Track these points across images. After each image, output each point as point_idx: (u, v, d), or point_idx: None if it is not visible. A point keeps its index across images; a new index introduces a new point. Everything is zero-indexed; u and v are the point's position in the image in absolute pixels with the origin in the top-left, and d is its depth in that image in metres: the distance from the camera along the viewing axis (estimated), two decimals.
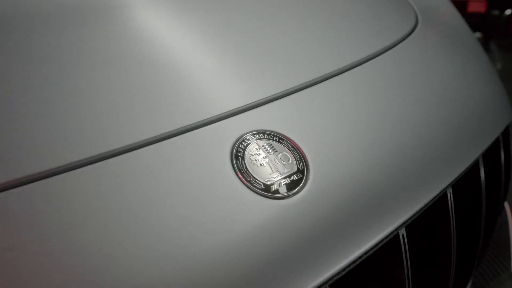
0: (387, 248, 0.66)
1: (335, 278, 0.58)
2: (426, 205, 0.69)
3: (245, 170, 0.57)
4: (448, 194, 0.74)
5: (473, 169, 0.83)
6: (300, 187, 0.59)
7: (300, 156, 0.61)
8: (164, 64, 0.64)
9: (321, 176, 0.60)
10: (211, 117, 0.61)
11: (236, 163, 0.57)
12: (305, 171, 0.60)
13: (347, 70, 0.76)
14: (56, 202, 0.48)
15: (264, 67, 0.70)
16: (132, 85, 0.61)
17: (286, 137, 0.62)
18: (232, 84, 0.66)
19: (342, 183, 0.61)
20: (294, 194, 0.58)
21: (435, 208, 0.75)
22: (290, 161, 0.60)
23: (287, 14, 0.84)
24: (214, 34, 0.72)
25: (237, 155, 0.58)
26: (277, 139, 0.61)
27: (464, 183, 0.83)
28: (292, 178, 0.59)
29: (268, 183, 0.57)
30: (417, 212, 0.68)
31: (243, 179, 0.56)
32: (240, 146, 0.59)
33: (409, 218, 0.66)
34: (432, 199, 0.70)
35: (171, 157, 0.56)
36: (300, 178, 0.59)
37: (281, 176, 0.58)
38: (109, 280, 0.46)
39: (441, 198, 0.74)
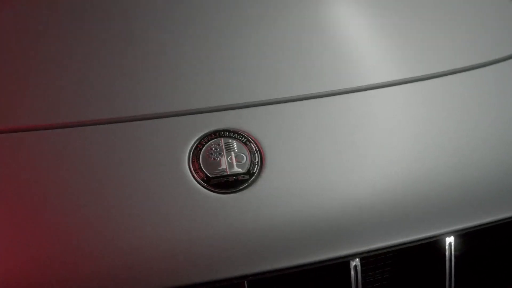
0: (337, 274, 0.66)
1: (250, 278, 0.62)
2: (399, 244, 0.66)
3: (197, 159, 0.65)
4: (446, 242, 0.68)
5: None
6: (242, 188, 0.64)
7: (258, 160, 0.65)
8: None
9: (269, 185, 0.64)
10: (197, 108, 0.69)
11: (193, 153, 0.65)
12: (254, 175, 0.64)
13: (377, 88, 0.74)
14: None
15: (282, 68, 0.74)
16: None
17: (255, 140, 0.67)
18: (237, 82, 0.72)
19: (289, 200, 0.63)
20: (232, 192, 0.63)
21: (425, 253, 0.69)
22: (243, 162, 0.65)
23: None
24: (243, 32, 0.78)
25: (197, 146, 0.66)
26: (244, 140, 0.67)
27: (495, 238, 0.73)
28: (236, 178, 0.64)
29: (212, 176, 0.64)
30: (381, 248, 0.65)
31: (191, 166, 0.64)
32: (205, 138, 0.67)
33: (367, 252, 0.65)
34: (412, 242, 0.66)
35: (146, 135, 0.67)
36: (245, 179, 0.64)
37: (227, 173, 0.64)
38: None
39: (434, 244, 0.68)
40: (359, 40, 0.79)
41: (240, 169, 0.65)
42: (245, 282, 0.62)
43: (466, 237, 0.70)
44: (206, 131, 0.67)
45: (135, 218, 0.61)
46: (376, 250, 0.65)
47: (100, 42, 0.73)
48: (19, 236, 0.60)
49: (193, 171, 0.64)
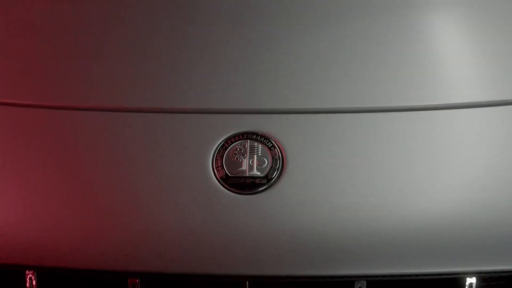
0: None
1: (252, 280, 0.63)
2: (414, 275, 0.63)
3: (221, 157, 0.67)
4: (466, 283, 0.64)
5: None
6: (257, 191, 0.65)
7: (279, 167, 0.66)
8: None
9: (285, 193, 0.64)
10: (231, 108, 0.71)
11: (218, 150, 0.68)
12: (272, 181, 0.65)
13: (411, 110, 0.71)
14: None
15: (326, 79, 0.73)
16: None
17: (280, 146, 0.67)
18: (275, 88, 0.73)
19: (302, 211, 0.63)
20: (247, 194, 0.65)
21: None
22: (263, 167, 0.66)
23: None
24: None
25: (224, 145, 0.68)
26: (270, 145, 0.68)
27: None
28: (254, 180, 0.65)
29: (231, 175, 0.66)
30: (392, 275, 0.63)
31: (214, 163, 0.67)
32: (233, 138, 0.68)
33: (375, 276, 0.63)
34: (428, 275, 0.63)
35: (180, 127, 0.70)
36: (262, 183, 0.65)
37: (246, 175, 0.66)
38: None
39: (453, 282, 0.64)
40: (423, 56, 0.75)
41: (259, 173, 0.66)
42: (247, 282, 0.64)
43: (490, 281, 0.65)
44: (235, 131, 0.69)
45: (151, 202, 0.65)
46: (386, 276, 0.63)
47: (153, 37, 0.78)
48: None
49: (215, 168, 0.66)
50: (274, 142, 0.67)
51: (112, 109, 0.71)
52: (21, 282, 0.67)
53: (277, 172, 0.66)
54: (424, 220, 0.64)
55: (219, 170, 0.66)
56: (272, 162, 0.66)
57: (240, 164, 0.67)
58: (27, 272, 0.67)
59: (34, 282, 0.67)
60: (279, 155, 0.67)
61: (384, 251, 0.63)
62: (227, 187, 0.65)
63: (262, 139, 0.68)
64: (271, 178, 0.65)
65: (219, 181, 0.65)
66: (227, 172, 0.66)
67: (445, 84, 0.73)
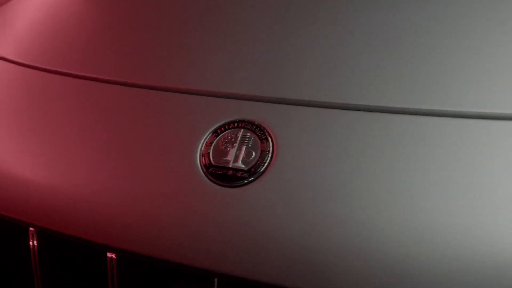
0: None
1: (219, 277, 0.60)
2: None
3: (209, 144, 0.63)
4: None
5: None
6: (236, 185, 0.60)
7: (267, 161, 0.61)
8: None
9: (265, 192, 0.59)
10: (232, 93, 0.67)
11: (208, 136, 0.64)
12: (255, 175, 0.60)
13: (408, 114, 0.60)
14: None
15: (329, 72, 0.66)
16: None
17: (274, 140, 0.62)
18: (281, 75, 0.67)
19: (280, 216, 0.57)
20: (225, 186, 0.60)
21: None
22: (250, 159, 0.61)
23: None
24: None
25: (216, 131, 0.64)
26: (264, 137, 0.62)
27: None
28: (235, 173, 0.61)
29: (214, 164, 0.62)
30: None
31: (201, 149, 0.63)
32: (228, 126, 0.64)
33: None
34: None
35: (179, 107, 0.68)
36: (243, 177, 0.60)
37: (229, 166, 0.61)
38: None
39: None
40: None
41: (243, 166, 0.61)
42: (215, 279, 0.60)
43: None
44: (232, 118, 0.65)
45: (134, 180, 0.64)
46: None
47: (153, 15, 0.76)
48: None
49: (199, 154, 0.63)
50: (268, 134, 0.62)
51: (103, 80, 0.70)
52: (26, 238, 0.71)
53: (262, 167, 0.60)
54: (438, 253, 0.53)
55: (204, 157, 0.63)
56: (260, 156, 0.61)
57: (227, 154, 0.62)
58: (30, 229, 0.71)
59: (35, 240, 0.70)
60: (269, 149, 0.61)
61: (374, 276, 0.55)
62: (208, 175, 0.61)
63: (257, 129, 0.63)
64: (255, 172, 0.60)
65: (201, 168, 0.62)
66: (211, 160, 0.62)
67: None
